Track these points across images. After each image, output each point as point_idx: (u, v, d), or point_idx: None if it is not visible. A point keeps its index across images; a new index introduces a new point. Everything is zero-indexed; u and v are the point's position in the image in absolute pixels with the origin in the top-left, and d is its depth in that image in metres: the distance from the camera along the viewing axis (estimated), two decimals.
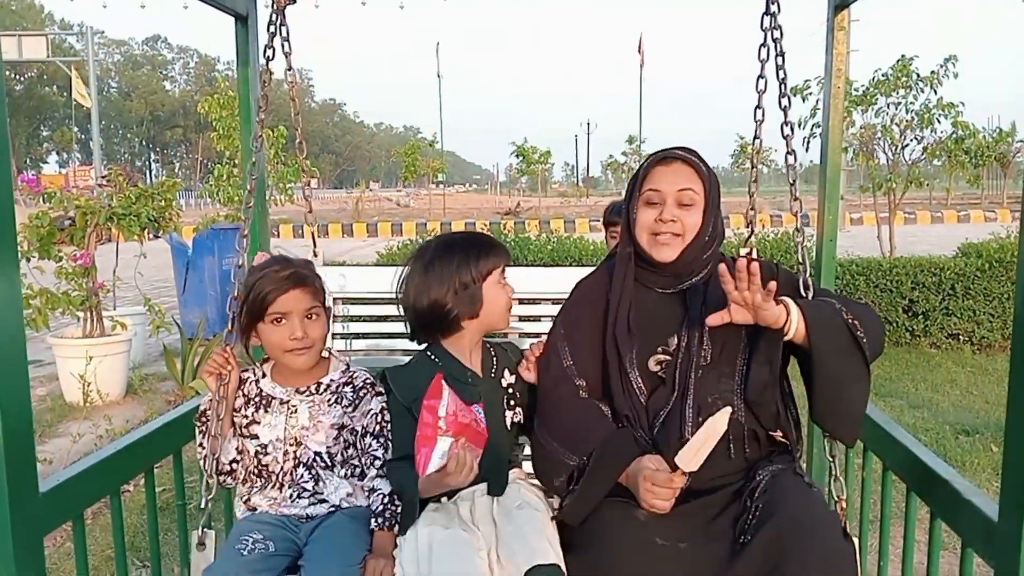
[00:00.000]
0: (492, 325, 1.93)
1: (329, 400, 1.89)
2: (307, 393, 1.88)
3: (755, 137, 2.11)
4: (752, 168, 2.28)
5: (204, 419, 1.85)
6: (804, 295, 1.81)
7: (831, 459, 1.83)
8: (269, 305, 1.79)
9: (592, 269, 2.04)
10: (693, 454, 1.49)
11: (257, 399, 1.89)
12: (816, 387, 1.69)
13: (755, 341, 1.73)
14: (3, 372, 1.33)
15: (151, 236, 6.13)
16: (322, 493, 1.86)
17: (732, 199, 21.24)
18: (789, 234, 7.05)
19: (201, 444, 1.85)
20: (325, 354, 1.95)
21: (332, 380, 1.91)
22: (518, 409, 1.94)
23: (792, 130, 2.00)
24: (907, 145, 8.30)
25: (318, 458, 1.86)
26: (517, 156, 38.11)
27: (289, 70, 2.39)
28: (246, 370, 1.94)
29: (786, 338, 1.65)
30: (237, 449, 1.86)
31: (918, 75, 7.87)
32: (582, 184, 65.10)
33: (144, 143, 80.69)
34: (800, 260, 1.90)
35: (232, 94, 8.96)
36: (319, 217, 2.54)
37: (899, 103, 8.06)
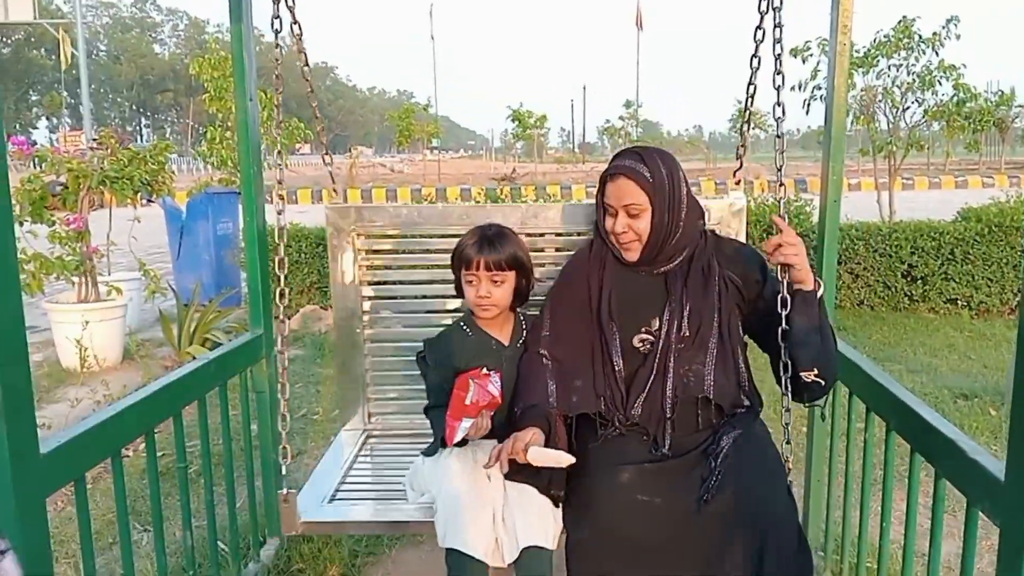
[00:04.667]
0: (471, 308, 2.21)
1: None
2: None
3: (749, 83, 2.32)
4: (746, 112, 2.46)
5: None
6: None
7: (785, 427, 2.01)
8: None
9: (581, 246, 2.22)
10: (538, 456, 1.83)
11: None
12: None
13: (724, 324, 1.97)
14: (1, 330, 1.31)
15: (144, 201, 6.05)
16: None
17: (731, 164, 21.07)
18: (790, 200, 7.02)
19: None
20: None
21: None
22: None
23: (783, 80, 2.02)
24: (908, 108, 8.21)
25: None
26: (513, 120, 37.76)
27: (300, 36, 2.42)
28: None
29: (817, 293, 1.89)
30: None
31: (920, 36, 7.75)
32: (578, 150, 64.69)
33: (134, 107, 79.78)
34: (780, 213, 2.01)
35: (224, 54, 8.78)
36: (313, 183, 2.59)
37: (900, 65, 7.95)
